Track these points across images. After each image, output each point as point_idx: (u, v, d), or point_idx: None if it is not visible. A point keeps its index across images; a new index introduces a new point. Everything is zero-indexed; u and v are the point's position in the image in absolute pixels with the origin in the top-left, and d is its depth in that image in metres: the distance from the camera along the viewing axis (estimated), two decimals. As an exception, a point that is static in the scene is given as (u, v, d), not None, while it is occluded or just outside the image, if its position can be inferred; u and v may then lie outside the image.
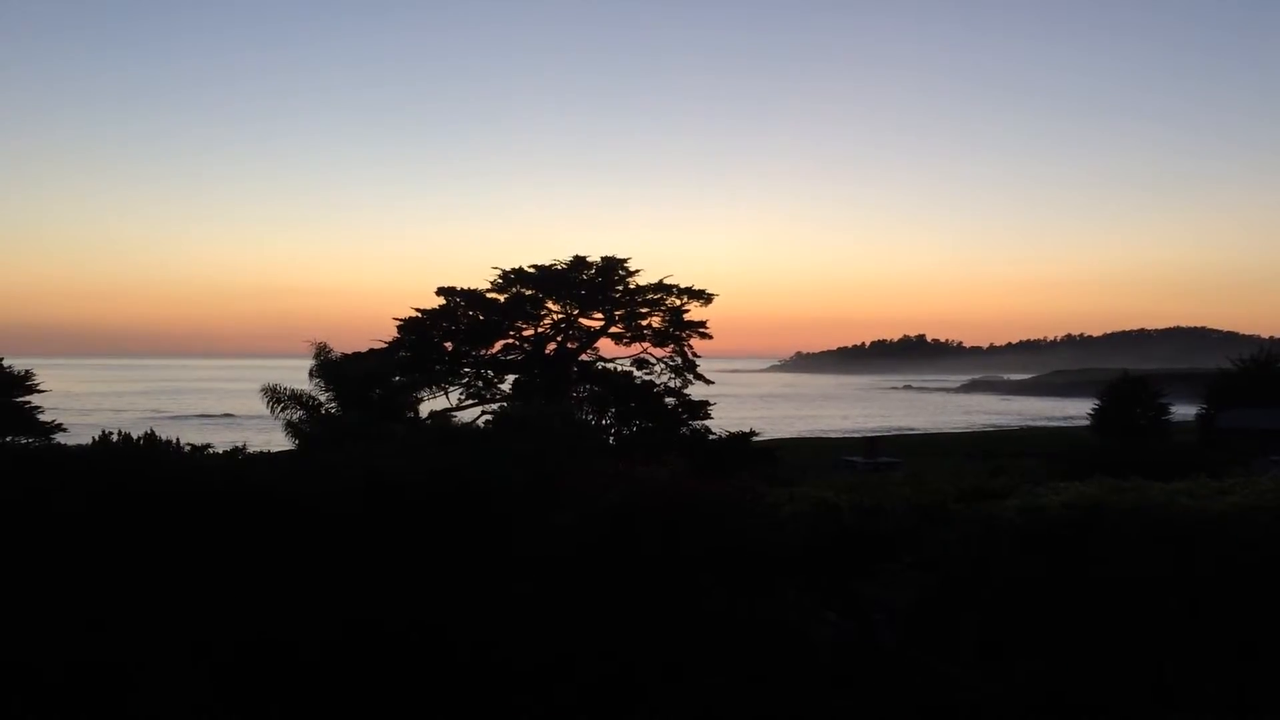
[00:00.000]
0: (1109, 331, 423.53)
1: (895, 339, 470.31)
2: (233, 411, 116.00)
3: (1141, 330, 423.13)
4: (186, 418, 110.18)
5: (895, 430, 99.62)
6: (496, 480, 9.02)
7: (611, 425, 33.42)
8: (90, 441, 9.83)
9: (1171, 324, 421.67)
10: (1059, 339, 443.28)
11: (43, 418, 39.52)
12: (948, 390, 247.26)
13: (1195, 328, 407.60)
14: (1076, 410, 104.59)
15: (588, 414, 32.55)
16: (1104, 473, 11.55)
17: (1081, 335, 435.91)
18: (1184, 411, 59.92)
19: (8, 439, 34.49)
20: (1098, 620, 8.33)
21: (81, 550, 7.71)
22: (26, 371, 40.33)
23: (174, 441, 10.28)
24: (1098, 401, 54.67)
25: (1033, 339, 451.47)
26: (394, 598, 7.76)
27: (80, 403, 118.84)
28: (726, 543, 8.89)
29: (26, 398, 39.84)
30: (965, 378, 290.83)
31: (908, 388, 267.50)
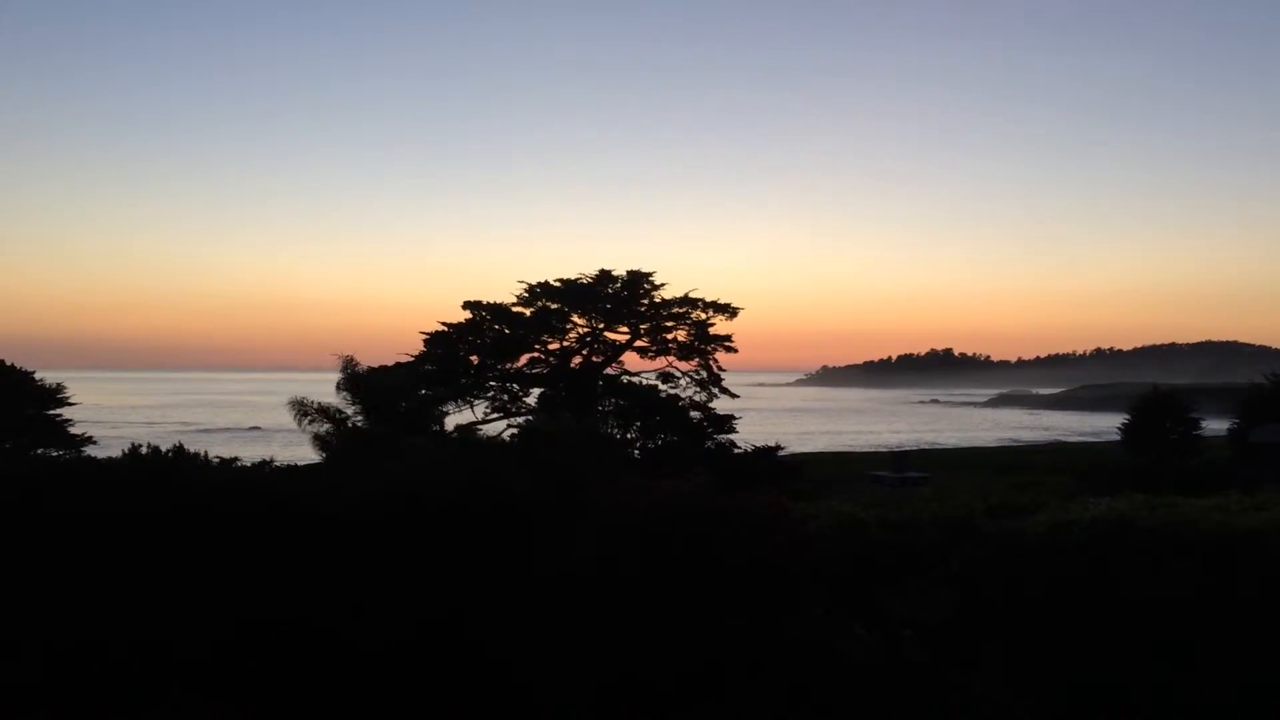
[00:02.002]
0: (1139, 345, 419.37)
1: (922, 353, 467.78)
2: (261, 425, 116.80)
3: (1172, 344, 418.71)
4: (215, 431, 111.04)
5: (922, 445, 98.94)
6: (519, 493, 9.01)
7: (637, 439, 33.40)
8: (120, 454, 9.93)
9: (1202, 338, 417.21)
10: (1088, 353, 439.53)
11: (74, 430, 40.04)
12: (975, 404, 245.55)
13: (1226, 342, 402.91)
14: (1106, 425, 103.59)
15: (613, 428, 32.56)
16: (1134, 488, 11.46)
17: (1111, 349, 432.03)
18: (1215, 427, 59.13)
19: (39, 451, 34.96)
20: (1129, 638, 8.22)
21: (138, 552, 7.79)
22: (58, 385, 40.89)
23: (202, 455, 10.38)
24: (1127, 416, 54.05)
25: (1061, 353, 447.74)
26: (411, 604, 7.77)
27: (111, 415, 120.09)
28: (752, 557, 8.84)
29: (58, 410, 40.37)
30: (993, 392, 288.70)
31: (935, 402, 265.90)
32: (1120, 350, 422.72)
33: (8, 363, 39.76)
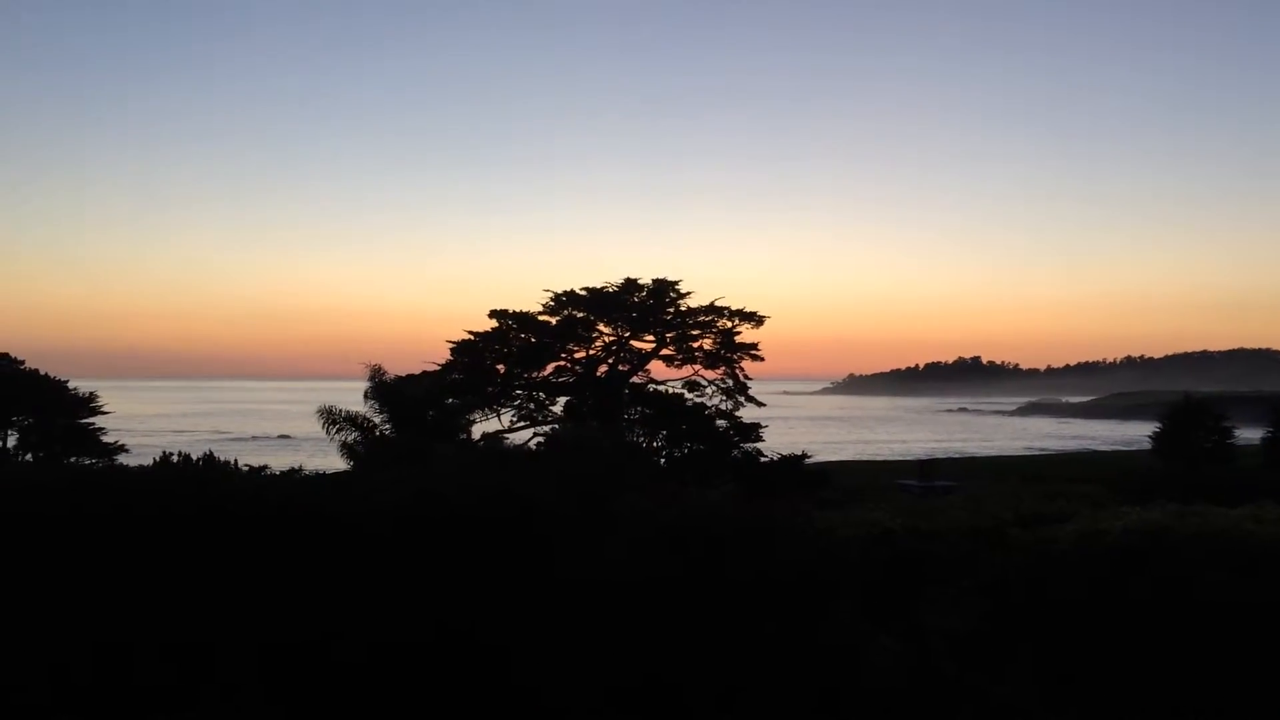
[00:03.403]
0: (1170, 353, 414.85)
1: (950, 361, 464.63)
2: (290, 433, 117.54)
3: (1204, 352, 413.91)
4: (244, 439, 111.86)
5: (951, 453, 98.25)
6: (545, 502, 9.04)
7: (662, 447, 33.38)
8: (152, 462, 10.04)
9: (1234, 345, 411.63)
10: (1118, 361, 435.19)
11: (106, 439, 40.51)
12: (1004, 413, 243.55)
13: (1259, 349, 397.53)
14: (1137, 434, 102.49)
15: (639, 436, 32.57)
16: (1166, 498, 11.33)
17: (1142, 357, 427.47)
18: (1249, 435, 58.33)
19: (71, 459, 35.38)
20: (1162, 649, 8.13)
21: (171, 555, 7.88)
22: (91, 394, 41.41)
23: (232, 462, 10.48)
24: (1159, 425, 53.47)
25: (1091, 361, 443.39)
26: (430, 611, 7.80)
27: (143, 424, 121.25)
28: (779, 566, 8.81)
29: (90, 419, 40.87)
30: (1022, 400, 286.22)
31: (963, 410, 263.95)
32: (1151, 358, 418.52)
33: (42, 372, 40.30)
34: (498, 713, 7.43)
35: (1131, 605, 8.49)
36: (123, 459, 35.91)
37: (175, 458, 9.99)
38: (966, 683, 8.23)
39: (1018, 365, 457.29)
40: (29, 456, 37.89)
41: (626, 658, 7.81)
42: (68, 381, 41.13)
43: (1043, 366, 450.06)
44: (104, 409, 41.70)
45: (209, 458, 10.20)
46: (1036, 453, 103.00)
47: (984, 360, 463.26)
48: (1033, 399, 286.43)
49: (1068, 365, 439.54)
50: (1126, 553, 8.99)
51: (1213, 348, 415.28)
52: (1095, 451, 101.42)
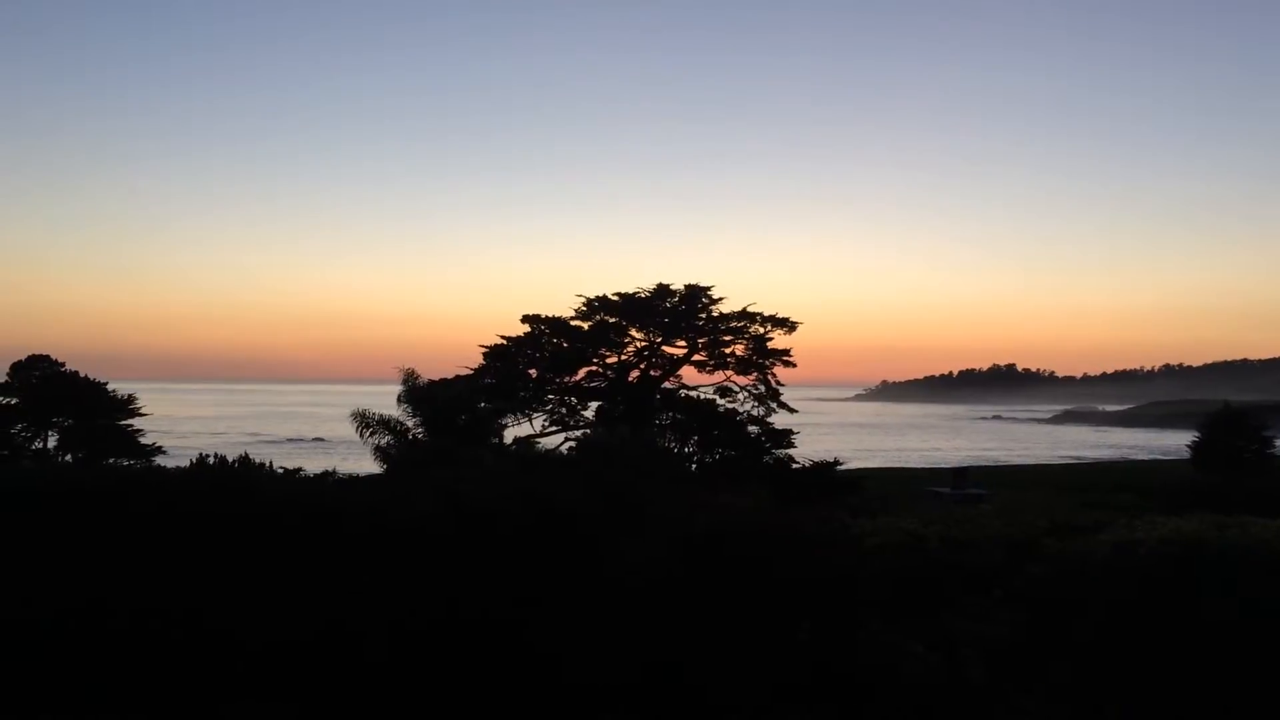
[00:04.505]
0: (1209, 361, 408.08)
1: (984, 368, 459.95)
2: (324, 436, 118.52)
3: (1244, 360, 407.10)
4: (279, 442, 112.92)
5: (984, 461, 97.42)
6: (575, 506, 9.07)
7: (694, 453, 33.37)
8: (189, 464, 10.18)
9: (1275, 354, 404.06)
10: (1156, 369, 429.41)
11: (144, 440, 41.10)
12: (1039, 421, 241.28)
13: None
14: (1174, 443, 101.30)
15: (670, 442, 32.57)
16: (1204, 508, 11.20)
17: (1180, 365, 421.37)
18: (1290, 445, 57.44)
19: (110, 460, 35.92)
20: (1198, 663, 8.04)
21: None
22: (129, 396, 42.02)
23: (268, 465, 10.61)
24: (1197, 434, 52.79)
25: (1129, 369, 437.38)
26: (466, 611, 7.86)
27: (180, 426, 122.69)
28: (810, 573, 8.80)
29: (129, 421, 41.49)
30: (1057, 408, 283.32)
31: (997, 418, 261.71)
32: (1190, 366, 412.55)
33: (82, 375, 40.95)
34: (532, 696, 7.47)
35: (1168, 617, 8.40)
36: (160, 460, 36.40)
37: (211, 459, 10.11)
38: (998, 693, 8.17)
39: (1053, 373, 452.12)
40: (69, 457, 38.50)
41: (654, 656, 7.83)
42: (107, 384, 41.77)
43: (1079, 374, 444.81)
44: (142, 411, 42.30)
45: (244, 460, 10.32)
46: (1072, 461, 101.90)
47: (1019, 367, 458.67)
48: (1068, 407, 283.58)
49: (1105, 373, 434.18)
50: (1163, 563, 8.89)
51: (1253, 356, 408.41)
52: (1132, 461, 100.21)
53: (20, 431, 38.76)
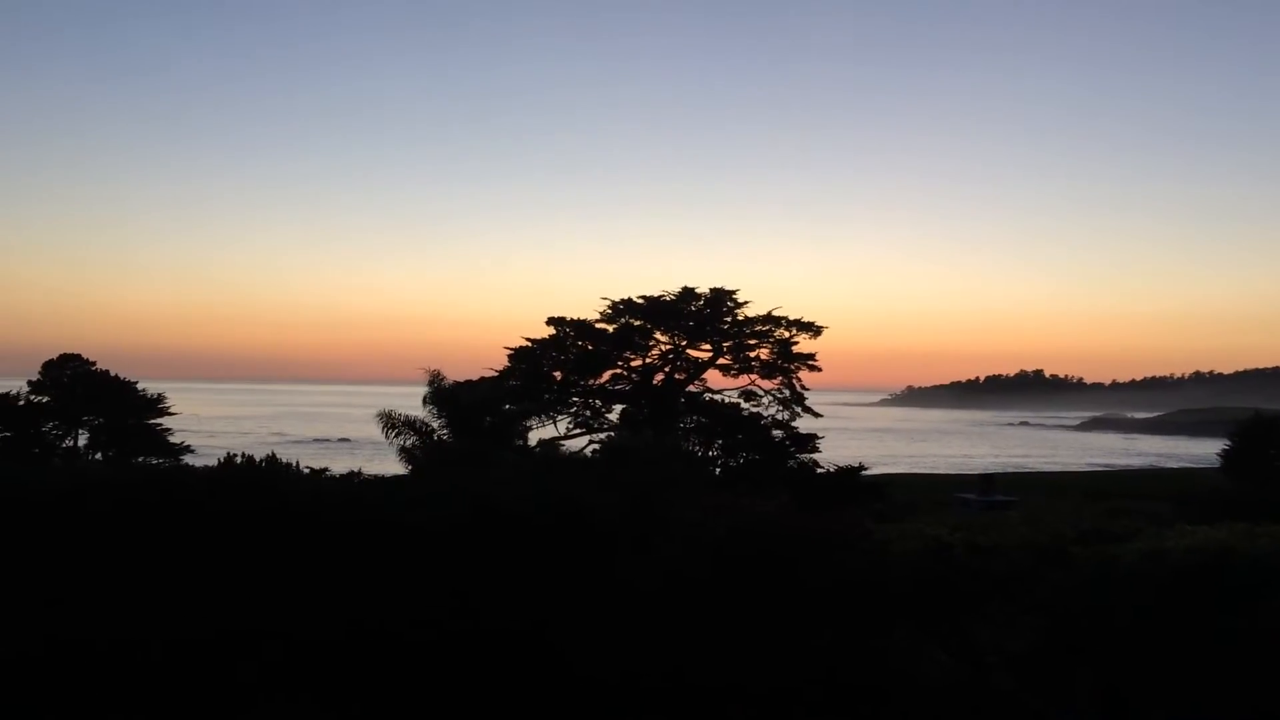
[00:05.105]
0: (1240, 369, 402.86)
1: (1011, 374, 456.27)
2: (349, 436, 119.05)
3: (1276, 368, 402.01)
4: (305, 442, 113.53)
5: (1011, 468, 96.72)
6: (600, 509, 9.08)
7: (718, 457, 33.32)
8: (216, 463, 10.25)
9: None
10: (1186, 376, 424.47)
11: (172, 439, 41.46)
12: (1067, 427, 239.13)
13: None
14: (1204, 451, 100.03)
15: (694, 445, 32.53)
16: (1234, 517, 11.07)
17: (1211, 372, 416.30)
18: (1323, 454, 56.62)
19: (139, 459, 36.26)
20: (1228, 672, 7.94)
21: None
22: (158, 395, 42.40)
23: (294, 464, 10.67)
24: (1228, 442, 52.16)
25: (1158, 376, 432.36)
26: (491, 613, 7.87)
27: (209, 425, 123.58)
28: (834, 578, 8.76)
29: (158, 420, 41.85)
30: (1085, 415, 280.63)
31: (1024, 424, 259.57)
32: (1220, 374, 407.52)
33: (111, 374, 41.35)
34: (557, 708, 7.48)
35: (1198, 627, 8.30)
36: (188, 459, 36.70)
37: (239, 459, 10.18)
38: (1022, 701, 8.11)
39: (1081, 379, 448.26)
40: (98, 455, 38.90)
41: (676, 659, 7.81)
42: (136, 383, 42.15)
43: (1108, 381, 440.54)
44: (171, 410, 42.64)
45: (271, 459, 10.38)
46: (1100, 469, 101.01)
47: (1046, 373, 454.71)
48: (1097, 414, 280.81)
49: (1134, 380, 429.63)
50: (1193, 572, 8.79)
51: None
52: (1161, 468, 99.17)
53: (52, 429, 39.17)
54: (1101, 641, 8.63)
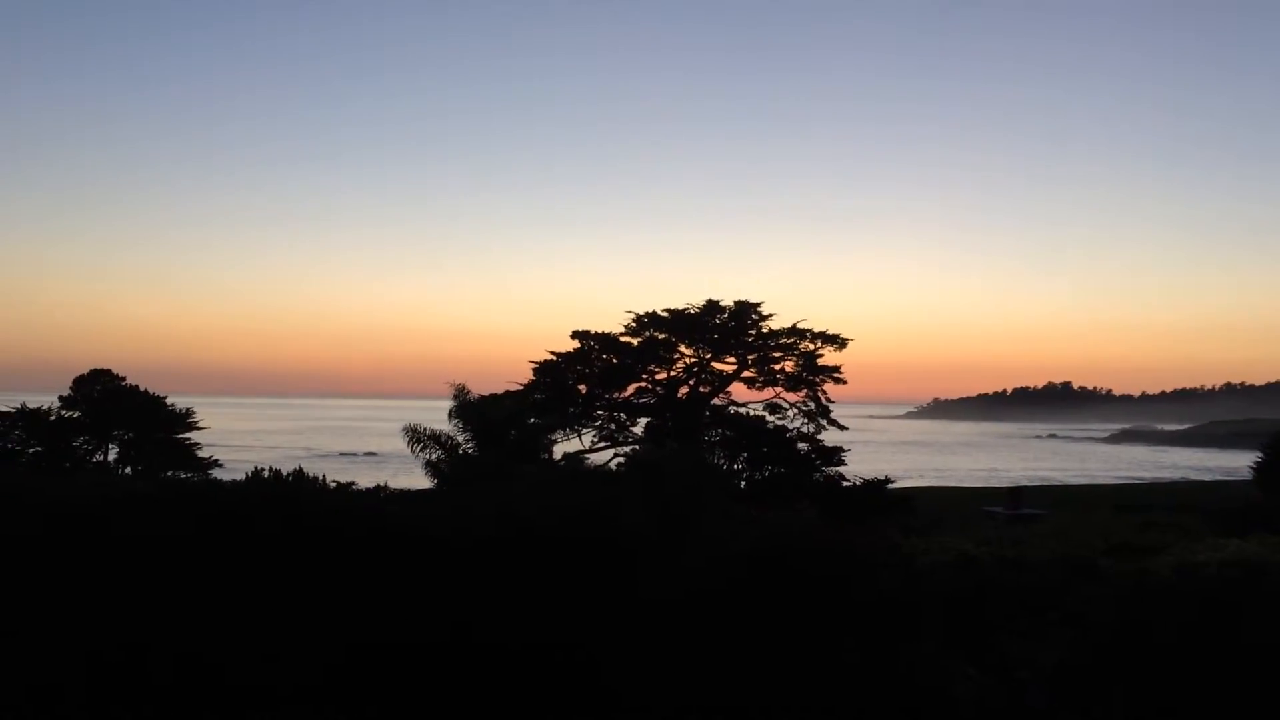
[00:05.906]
0: (1273, 380, 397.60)
1: (1039, 386, 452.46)
2: (375, 450, 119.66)
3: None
4: (332, 455, 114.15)
5: (1039, 480, 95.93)
6: (626, 523, 9.07)
7: (743, 470, 33.23)
8: (245, 477, 10.33)
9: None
10: (1217, 387, 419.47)
11: (201, 454, 41.77)
12: (1095, 440, 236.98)
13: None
14: (1236, 463, 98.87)
15: (719, 458, 32.47)
16: (1267, 530, 10.93)
17: (1243, 384, 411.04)
18: (1357, 466, 55.81)
19: (168, 473, 36.57)
20: (1264, 688, 7.81)
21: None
22: (187, 409, 42.76)
23: (320, 478, 10.73)
24: (1261, 454, 51.52)
25: (1189, 387, 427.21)
26: (520, 626, 7.87)
27: (238, 440, 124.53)
28: (861, 593, 8.70)
29: (187, 434, 42.20)
30: (1115, 427, 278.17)
31: (1052, 436, 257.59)
32: (1252, 385, 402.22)
33: (141, 389, 41.75)
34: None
35: (1232, 641, 8.18)
36: (216, 473, 36.97)
37: (266, 473, 10.25)
38: (1053, 717, 8.01)
39: (1110, 391, 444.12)
40: (128, 469, 39.26)
41: (708, 678, 7.78)
42: (165, 398, 42.52)
43: (1137, 393, 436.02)
44: (200, 424, 42.97)
45: (298, 473, 10.45)
46: (1130, 481, 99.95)
47: (1075, 385, 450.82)
48: (1126, 426, 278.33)
49: (1164, 392, 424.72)
50: (1226, 586, 8.67)
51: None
52: (1192, 481, 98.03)
53: (82, 444, 39.57)
54: (1132, 656, 8.52)
